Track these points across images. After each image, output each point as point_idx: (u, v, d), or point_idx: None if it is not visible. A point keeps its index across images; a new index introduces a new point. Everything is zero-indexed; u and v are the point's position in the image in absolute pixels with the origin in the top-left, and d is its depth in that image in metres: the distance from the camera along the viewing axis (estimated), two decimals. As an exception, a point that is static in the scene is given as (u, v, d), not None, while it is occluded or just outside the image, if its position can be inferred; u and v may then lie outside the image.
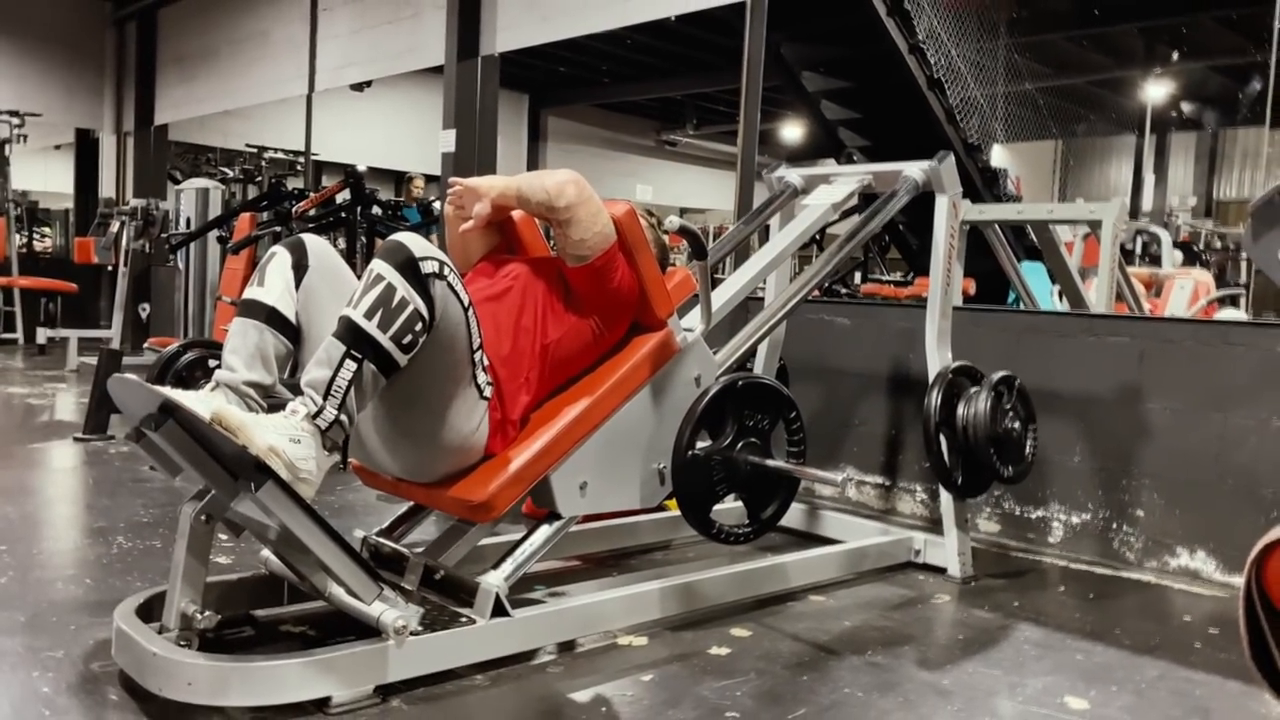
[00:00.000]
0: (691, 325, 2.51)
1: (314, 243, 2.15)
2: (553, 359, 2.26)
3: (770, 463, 2.43)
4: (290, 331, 2.05)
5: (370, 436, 2.17)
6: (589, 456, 2.27)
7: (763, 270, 2.93)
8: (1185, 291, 4.78)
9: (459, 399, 2.06)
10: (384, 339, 1.88)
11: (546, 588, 2.60)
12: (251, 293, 2.08)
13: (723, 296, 2.79)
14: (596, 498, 2.31)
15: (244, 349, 2.02)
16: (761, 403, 2.45)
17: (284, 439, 1.83)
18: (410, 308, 1.89)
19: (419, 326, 1.91)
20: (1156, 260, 6.12)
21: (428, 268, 1.91)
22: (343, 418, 1.90)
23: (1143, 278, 5.14)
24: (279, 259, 2.11)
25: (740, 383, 2.42)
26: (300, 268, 2.10)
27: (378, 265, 1.91)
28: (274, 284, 2.07)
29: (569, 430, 2.23)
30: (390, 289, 1.88)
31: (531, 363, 2.22)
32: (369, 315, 1.87)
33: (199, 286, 6.90)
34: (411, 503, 2.48)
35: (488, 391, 2.11)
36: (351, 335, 1.88)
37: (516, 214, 2.46)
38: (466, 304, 2.00)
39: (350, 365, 1.88)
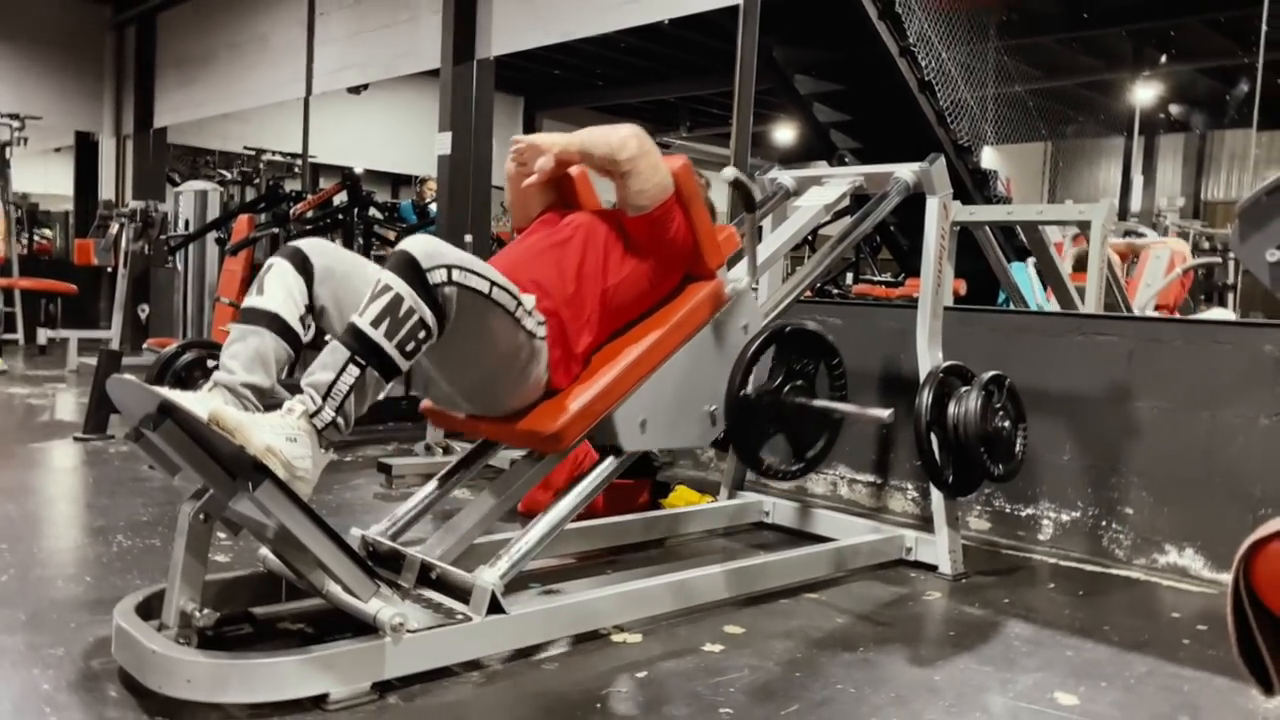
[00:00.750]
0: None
1: (311, 244, 2.18)
2: (612, 303, 2.41)
3: (816, 403, 2.63)
4: (291, 337, 2.08)
5: (439, 383, 2.30)
6: (648, 396, 2.42)
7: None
8: (1162, 260, 4.79)
9: (515, 348, 2.21)
10: (389, 346, 1.94)
11: (542, 585, 2.61)
12: (251, 301, 2.10)
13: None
14: (655, 435, 2.45)
15: (243, 352, 2.04)
16: (806, 347, 2.65)
17: (281, 438, 1.86)
18: (416, 317, 1.95)
19: (423, 334, 1.97)
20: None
21: (435, 277, 1.97)
22: (339, 420, 1.94)
23: (1119, 249, 5.14)
24: (278, 268, 2.13)
25: (787, 329, 2.61)
26: (306, 270, 2.13)
27: (386, 275, 1.97)
28: (274, 292, 2.09)
29: (631, 369, 2.38)
30: (398, 299, 1.94)
31: (593, 306, 2.37)
32: (375, 323, 1.93)
33: (197, 288, 6.91)
34: (414, 503, 2.51)
35: (540, 332, 2.25)
36: (357, 342, 1.93)
37: (574, 170, 2.60)
38: (487, 289, 2.09)
39: (353, 370, 1.93)
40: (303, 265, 2.13)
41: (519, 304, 2.19)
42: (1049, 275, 4.25)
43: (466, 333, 2.11)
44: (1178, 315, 4.89)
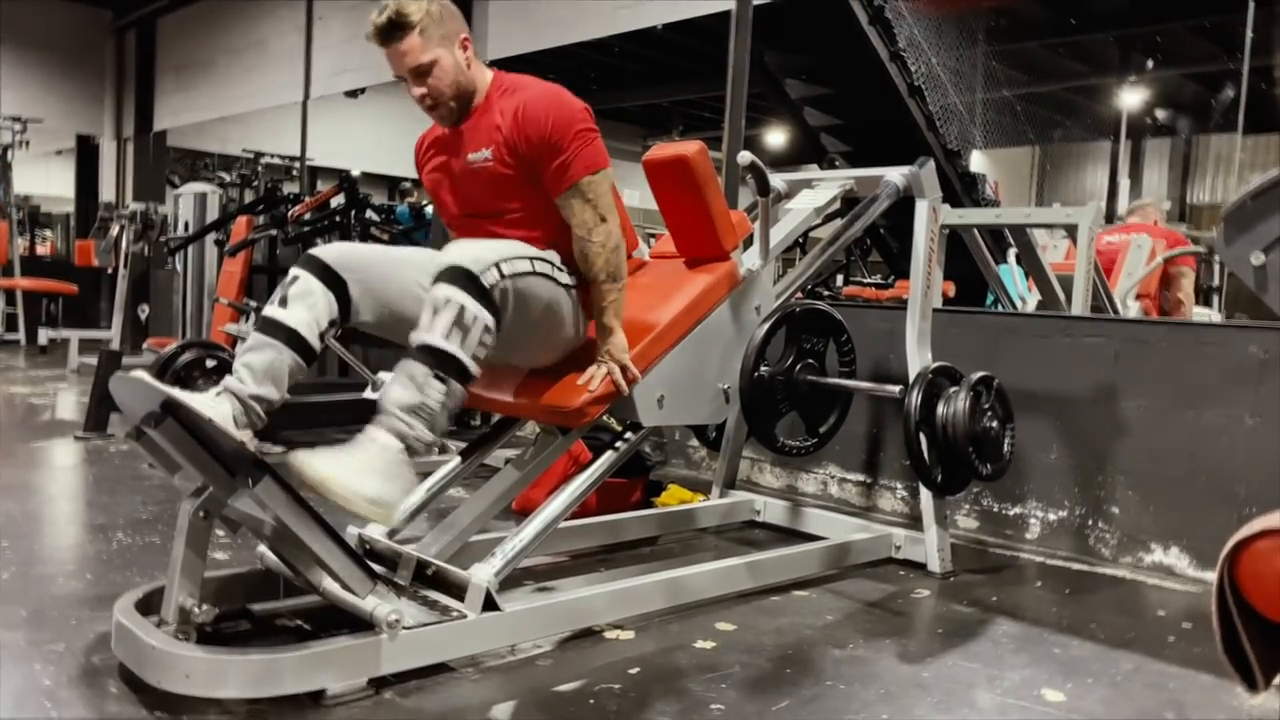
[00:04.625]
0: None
1: (331, 253, 2.19)
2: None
3: (828, 380, 2.76)
4: (308, 353, 2.10)
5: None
6: (665, 372, 2.49)
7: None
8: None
9: (559, 302, 2.33)
10: (465, 356, 2.03)
11: (536, 582, 2.64)
12: (272, 312, 2.11)
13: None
14: (671, 411, 2.53)
15: (258, 364, 2.06)
16: (817, 326, 2.78)
17: (378, 480, 1.88)
18: (481, 323, 2.05)
19: (488, 337, 2.07)
20: None
21: (489, 279, 2.07)
22: (434, 434, 2.02)
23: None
24: (303, 283, 2.13)
25: (798, 309, 2.73)
26: (333, 281, 2.14)
27: (445, 290, 2.03)
28: (296, 308, 2.10)
29: (650, 347, 2.45)
30: (462, 310, 2.02)
31: None
32: (448, 336, 2.00)
33: (197, 288, 6.91)
34: (410, 501, 2.51)
35: (573, 281, 2.36)
36: (434, 358, 2.00)
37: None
38: (530, 268, 2.19)
39: (439, 386, 2.00)
40: (327, 276, 2.14)
41: (551, 264, 2.30)
42: (1036, 277, 4.28)
43: (523, 307, 2.21)
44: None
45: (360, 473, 1.86)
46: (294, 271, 2.16)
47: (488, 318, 2.05)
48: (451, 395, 2.02)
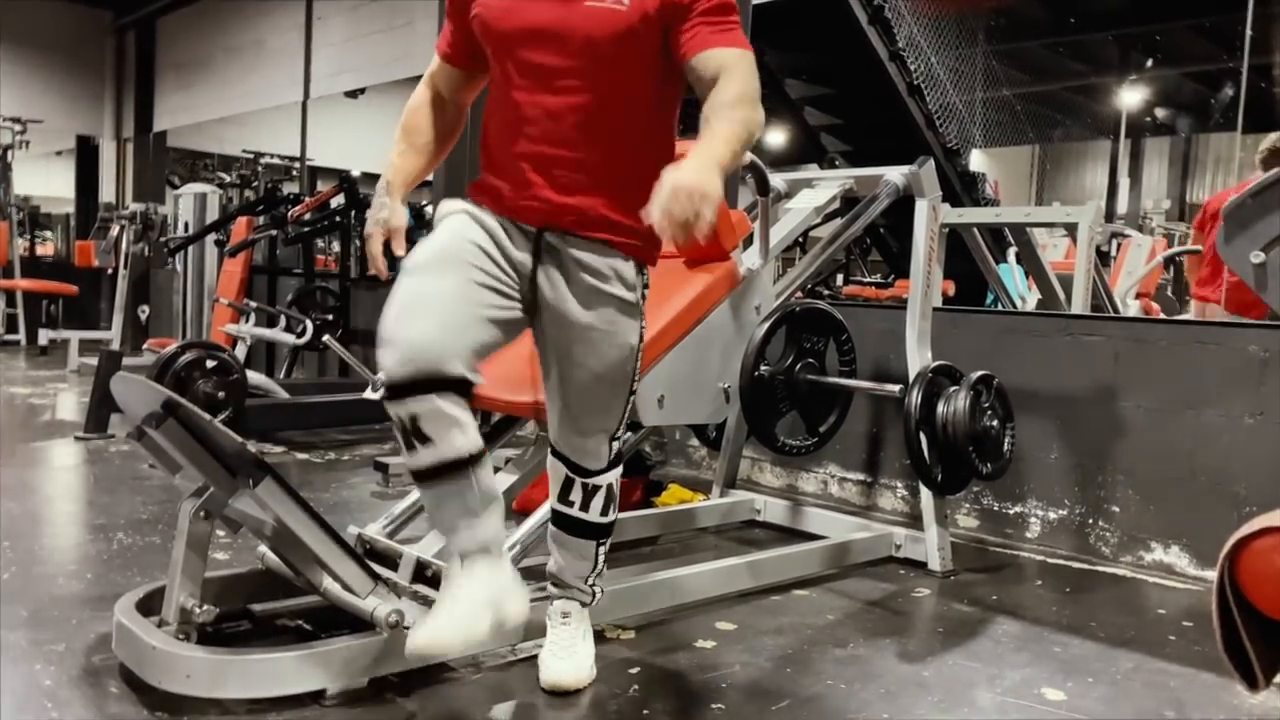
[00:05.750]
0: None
1: (418, 359, 1.75)
2: None
3: (828, 379, 2.78)
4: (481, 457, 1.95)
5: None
6: (665, 372, 2.49)
7: (747, 273, 3.00)
8: (1143, 250, 4.79)
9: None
10: (613, 516, 2.09)
11: (536, 583, 2.63)
12: (423, 459, 1.82)
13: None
14: (672, 411, 2.53)
15: (462, 520, 1.89)
16: (817, 326, 2.79)
17: (589, 661, 2.06)
18: (618, 484, 2.10)
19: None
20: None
21: (615, 449, 2.06)
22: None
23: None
24: (427, 405, 1.77)
25: (799, 309, 2.74)
26: (449, 384, 1.80)
27: (599, 479, 2.03)
28: (450, 438, 1.84)
29: (650, 346, 2.38)
30: (610, 489, 2.05)
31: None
32: (604, 513, 2.05)
33: (197, 289, 6.91)
34: (411, 501, 2.52)
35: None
36: (596, 530, 2.07)
37: None
38: (637, 381, 2.04)
39: (602, 550, 2.11)
40: (437, 385, 1.77)
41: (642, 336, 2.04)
42: (1036, 276, 4.29)
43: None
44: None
45: (570, 664, 2.03)
46: (409, 409, 1.75)
47: (619, 473, 2.10)
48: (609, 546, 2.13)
